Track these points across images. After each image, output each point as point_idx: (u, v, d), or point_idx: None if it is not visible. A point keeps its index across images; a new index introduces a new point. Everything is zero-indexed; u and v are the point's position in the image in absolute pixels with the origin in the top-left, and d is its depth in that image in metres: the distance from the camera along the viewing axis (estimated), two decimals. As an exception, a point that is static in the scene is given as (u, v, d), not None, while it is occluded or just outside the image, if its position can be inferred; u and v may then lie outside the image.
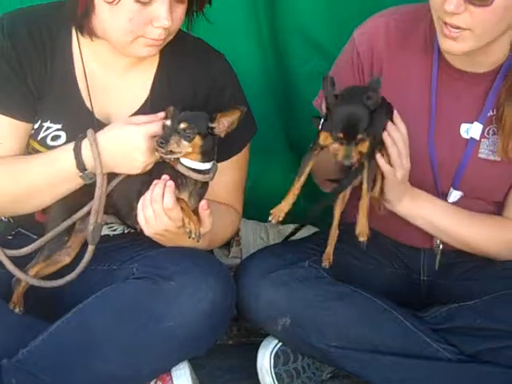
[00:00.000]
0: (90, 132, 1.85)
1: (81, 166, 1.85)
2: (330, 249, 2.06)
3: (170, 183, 1.82)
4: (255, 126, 2.14)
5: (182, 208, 1.84)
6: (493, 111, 2.07)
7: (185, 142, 1.81)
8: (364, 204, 1.96)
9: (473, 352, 1.96)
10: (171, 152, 1.81)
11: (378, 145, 1.93)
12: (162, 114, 1.87)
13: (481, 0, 1.83)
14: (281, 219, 1.94)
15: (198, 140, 1.83)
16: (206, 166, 1.87)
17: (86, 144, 1.85)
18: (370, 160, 1.93)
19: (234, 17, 2.47)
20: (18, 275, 1.92)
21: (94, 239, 1.92)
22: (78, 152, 1.85)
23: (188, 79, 2.02)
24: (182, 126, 1.81)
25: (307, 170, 1.93)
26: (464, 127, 2.09)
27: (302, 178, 1.93)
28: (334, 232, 2.06)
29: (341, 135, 1.81)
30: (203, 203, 1.86)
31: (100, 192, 1.87)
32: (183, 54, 2.02)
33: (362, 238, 1.95)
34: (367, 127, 1.84)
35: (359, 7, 2.45)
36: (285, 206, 1.94)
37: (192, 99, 2.02)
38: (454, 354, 1.97)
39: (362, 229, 1.96)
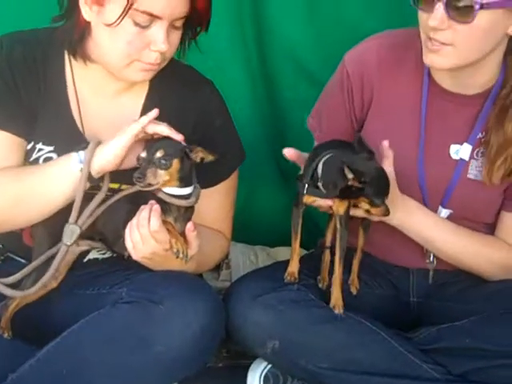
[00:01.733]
0: (92, 142, 1.88)
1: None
2: (324, 273, 2.08)
3: (156, 207, 1.83)
4: (243, 153, 2.17)
5: (168, 230, 1.85)
6: (482, 133, 2.09)
7: (161, 171, 1.82)
8: (338, 276, 1.99)
9: (461, 372, 1.96)
10: (149, 184, 1.83)
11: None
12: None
13: (462, 17, 1.87)
14: (297, 277, 2.02)
15: (175, 165, 1.84)
16: (187, 190, 1.88)
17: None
18: (345, 224, 1.97)
19: (222, 44, 2.50)
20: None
21: (68, 239, 1.89)
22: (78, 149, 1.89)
23: (177, 106, 2.05)
24: (159, 154, 1.82)
25: (299, 227, 2.01)
26: (453, 148, 2.12)
27: (298, 236, 2.01)
28: (326, 258, 2.08)
29: (385, 198, 1.91)
30: (189, 225, 1.87)
31: (82, 188, 1.87)
32: (173, 80, 2.04)
33: (337, 311, 1.98)
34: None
35: (348, 34, 2.47)
36: (294, 266, 2.03)
37: (181, 126, 2.03)
38: (443, 375, 1.96)
39: (336, 302, 1.99)
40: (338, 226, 1.99)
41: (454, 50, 1.93)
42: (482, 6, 1.85)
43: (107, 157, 1.87)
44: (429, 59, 1.98)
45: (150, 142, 1.87)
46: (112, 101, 2.02)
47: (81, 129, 2.00)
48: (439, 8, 1.88)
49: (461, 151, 2.11)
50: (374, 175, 1.89)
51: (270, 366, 2.07)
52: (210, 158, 1.88)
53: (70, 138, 1.98)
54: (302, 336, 1.98)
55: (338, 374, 1.97)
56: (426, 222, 2.11)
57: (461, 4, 1.86)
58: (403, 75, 2.14)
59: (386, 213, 1.92)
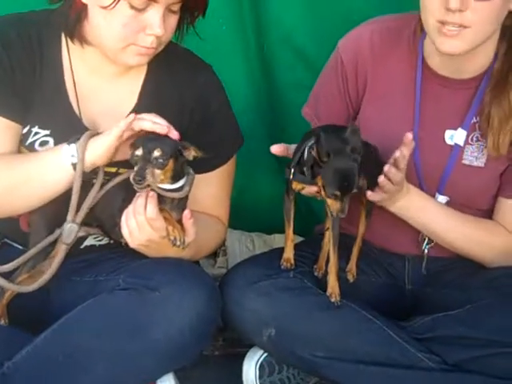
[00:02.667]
0: (87, 133, 1.87)
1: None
2: (321, 261, 2.08)
3: (152, 194, 1.82)
4: (241, 138, 2.16)
5: (165, 218, 1.84)
6: (476, 118, 2.09)
7: (158, 171, 1.80)
8: (333, 264, 1.99)
9: (456, 361, 1.96)
10: (148, 185, 1.81)
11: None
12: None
13: None
14: (293, 263, 2.03)
15: (170, 164, 1.82)
16: (179, 184, 1.87)
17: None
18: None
19: (220, 28, 2.48)
20: None
21: (67, 238, 1.90)
22: (70, 142, 1.87)
23: (175, 89, 2.03)
24: (156, 154, 1.80)
25: (291, 214, 2.01)
26: (448, 133, 2.11)
27: (291, 223, 2.01)
28: (326, 246, 2.07)
29: (337, 193, 1.84)
30: (186, 213, 1.86)
31: (77, 186, 1.86)
32: (171, 64, 2.03)
33: (334, 299, 1.98)
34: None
35: (344, 17, 2.46)
36: (289, 252, 2.04)
37: (179, 109, 2.03)
38: (438, 364, 1.97)
39: (333, 290, 1.99)
40: (329, 213, 1.97)
41: (470, 31, 1.92)
42: None
43: (98, 152, 1.85)
44: (447, 46, 1.95)
45: (142, 137, 1.84)
46: (109, 84, 2.01)
47: (77, 112, 1.99)
48: None
49: (455, 136, 2.11)
50: (337, 160, 1.82)
51: (265, 354, 2.08)
52: (200, 155, 1.86)
53: (66, 122, 1.97)
54: (298, 324, 1.99)
55: (333, 362, 1.98)
56: (428, 210, 2.11)
57: None
58: (396, 60, 2.13)
59: (336, 211, 1.85)
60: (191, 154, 1.85)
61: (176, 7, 1.88)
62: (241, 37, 2.52)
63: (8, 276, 1.92)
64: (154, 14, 1.84)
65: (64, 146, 1.87)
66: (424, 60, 2.10)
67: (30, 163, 1.90)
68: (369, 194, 1.99)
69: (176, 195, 1.87)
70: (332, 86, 2.19)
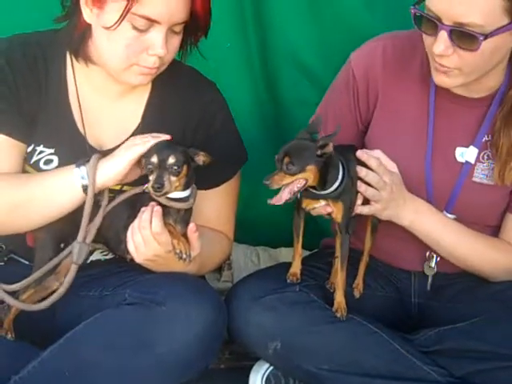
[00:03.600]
0: (94, 156, 1.88)
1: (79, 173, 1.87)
2: (333, 279, 2.09)
3: (158, 208, 1.84)
4: (245, 154, 2.17)
5: (170, 232, 1.85)
6: (487, 136, 2.09)
7: (173, 178, 1.83)
8: (340, 280, 2.00)
9: (462, 374, 1.97)
10: (166, 192, 1.83)
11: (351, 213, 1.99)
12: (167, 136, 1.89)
13: (468, 45, 1.86)
14: (299, 278, 2.04)
15: (184, 171, 1.84)
16: (186, 193, 1.89)
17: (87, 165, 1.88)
18: (345, 230, 1.98)
19: (224, 45, 2.49)
20: (8, 300, 1.91)
21: (78, 258, 1.90)
22: (79, 164, 1.88)
23: (179, 107, 2.05)
24: (171, 160, 1.82)
25: (301, 230, 2.03)
26: (459, 151, 2.11)
27: (300, 239, 2.03)
28: (337, 265, 2.07)
29: (278, 156, 1.88)
30: (191, 226, 1.87)
31: (88, 208, 1.87)
32: (175, 81, 2.05)
33: (339, 315, 1.99)
34: (340, 195, 1.93)
35: (350, 34, 2.46)
36: (296, 267, 2.05)
37: (183, 127, 2.04)
38: (444, 377, 1.97)
39: (339, 305, 2.00)
40: (339, 232, 2.00)
41: (460, 72, 1.93)
42: (485, 37, 1.84)
43: (110, 175, 1.87)
44: (437, 79, 1.99)
45: (153, 146, 1.86)
46: (114, 103, 2.03)
47: (82, 131, 2.00)
48: (443, 35, 1.87)
49: (466, 154, 2.10)
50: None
51: (271, 367, 2.08)
52: (209, 159, 1.88)
53: (71, 141, 1.98)
54: (304, 337, 1.99)
55: (339, 375, 1.98)
56: (434, 222, 2.11)
57: (465, 33, 1.85)
58: (409, 77, 2.13)
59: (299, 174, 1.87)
60: (201, 159, 1.87)
61: (178, 28, 1.90)
62: (245, 54, 2.54)
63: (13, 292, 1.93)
64: (157, 35, 1.86)
65: (74, 169, 1.88)
66: None
67: (35, 183, 1.92)
68: (358, 207, 2.00)
69: (183, 205, 1.88)
70: (342, 100, 2.19)
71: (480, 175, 2.11)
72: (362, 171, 1.97)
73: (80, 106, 2.00)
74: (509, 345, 1.93)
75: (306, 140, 1.90)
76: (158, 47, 1.86)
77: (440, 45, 1.88)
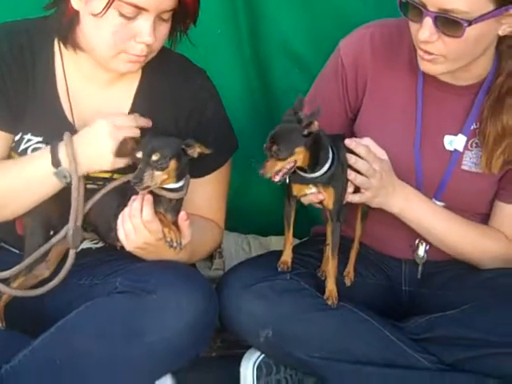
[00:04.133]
0: (66, 134, 1.88)
1: (56, 162, 1.87)
2: (324, 266, 2.09)
3: (148, 197, 1.84)
4: (236, 142, 2.17)
5: (160, 220, 1.85)
6: (476, 124, 2.10)
7: (158, 173, 1.82)
8: (332, 268, 2.00)
9: (453, 361, 1.97)
10: (147, 187, 1.82)
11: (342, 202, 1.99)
12: (136, 115, 1.89)
13: (452, 31, 1.87)
14: (290, 266, 2.04)
15: (173, 165, 1.84)
16: (179, 184, 1.89)
17: (62, 145, 1.88)
18: (336, 217, 1.98)
19: (214, 32, 2.48)
20: (2, 289, 1.91)
21: (74, 243, 1.91)
22: (54, 149, 1.88)
23: (169, 95, 2.04)
24: (154, 157, 1.81)
25: (292, 219, 2.02)
26: (448, 139, 2.12)
27: (291, 227, 2.03)
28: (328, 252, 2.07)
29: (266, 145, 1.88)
30: (182, 214, 1.87)
31: (77, 193, 1.87)
32: (165, 69, 2.04)
33: (331, 302, 1.99)
34: (330, 179, 1.92)
35: (341, 22, 2.45)
36: (287, 256, 2.05)
37: (174, 115, 2.03)
38: (434, 363, 1.98)
39: (330, 293, 2.00)
40: (330, 219, 2.00)
41: (444, 59, 1.94)
42: (470, 23, 1.85)
43: (95, 166, 1.89)
44: (423, 67, 2.00)
45: (147, 137, 1.86)
46: (103, 90, 2.02)
47: (70, 119, 1.99)
48: (428, 22, 1.88)
49: (455, 142, 2.11)
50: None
51: (263, 355, 2.07)
52: (206, 151, 1.88)
53: (59, 129, 1.96)
54: (295, 325, 1.99)
55: (330, 363, 1.99)
56: (425, 210, 2.11)
57: (449, 20, 1.86)
58: (397, 65, 2.13)
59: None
60: (196, 151, 1.87)
61: (167, 15, 1.89)
62: (235, 41, 2.52)
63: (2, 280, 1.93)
64: (144, 23, 1.85)
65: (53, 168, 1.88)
66: None
67: (13, 175, 1.92)
68: (349, 196, 2.00)
69: (176, 195, 1.88)
70: (331, 88, 2.19)
71: (469, 163, 2.12)
72: (351, 158, 1.98)
73: (68, 93, 1.99)
74: (498, 332, 1.93)
75: (290, 122, 1.90)
76: (146, 35, 1.85)
77: (425, 31, 1.89)
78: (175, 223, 1.88)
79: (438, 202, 2.14)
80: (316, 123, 1.87)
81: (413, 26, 1.95)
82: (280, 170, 1.87)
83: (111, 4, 1.81)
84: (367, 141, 2.03)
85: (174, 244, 1.85)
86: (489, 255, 2.15)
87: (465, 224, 2.14)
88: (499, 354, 1.93)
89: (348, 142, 2.00)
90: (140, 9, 1.83)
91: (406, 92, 2.12)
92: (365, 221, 2.13)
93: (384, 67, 2.14)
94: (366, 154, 1.99)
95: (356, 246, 2.14)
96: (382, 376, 1.98)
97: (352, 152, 1.99)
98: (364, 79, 2.15)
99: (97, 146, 1.87)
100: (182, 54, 2.08)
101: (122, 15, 1.83)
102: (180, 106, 2.04)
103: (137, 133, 1.89)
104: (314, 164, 1.92)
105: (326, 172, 1.93)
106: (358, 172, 1.99)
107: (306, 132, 1.87)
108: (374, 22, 2.20)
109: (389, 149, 2.05)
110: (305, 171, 1.93)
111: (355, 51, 2.15)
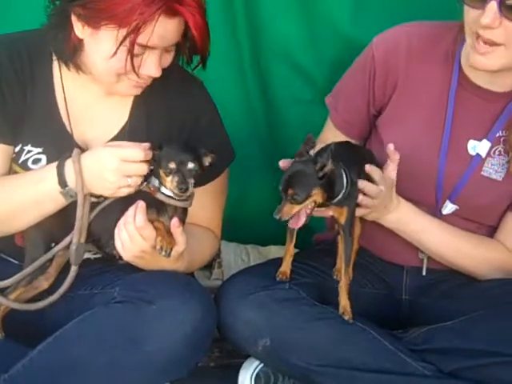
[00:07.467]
0: (75, 151, 1.88)
1: (62, 182, 1.88)
2: (339, 264, 2.08)
3: (142, 204, 1.85)
4: (233, 153, 2.17)
5: (157, 228, 1.86)
6: (502, 132, 2.10)
7: (192, 180, 1.86)
8: (344, 283, 2.00)
9: (451, 370, 1.97)
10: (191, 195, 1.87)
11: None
12: (146, 145, 1.88)
13: None
14: (288, 277, 2.04)
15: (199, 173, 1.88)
16: (188, 193, 1.90)
17: (69, 162, 1.88)
18: (348, 232, 1.99)
19: (213, 42, 2.48)
20: (1, 301, 1.92)
21: (76, 259, 1.92)
22: (61, 169, 1.88)
23: (165, 105, 2.05)
24: (191, 166, 1.85)
25: (295, 232, 2.02)
26: (471, 143, 2.12)
27: (293, 239, 2.03)
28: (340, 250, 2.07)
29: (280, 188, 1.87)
30: (174, 221, 1.87)
31: (81, 211, 1.88)
32: (162, 80, 2.04)
33: (347, 317, 1.99)
34: (344, 200, 1.93)
35: (342, 31, 2.47)
36: (286, 266, 2.05)
37: (169, 125, 2.05)
38: (433, 372, 1.97)
39: (344, 308, 2.00)
40: (342, 234, 2.00)
41: (504, 50, 1.92)
42: None
43: (100, 190, 1.90)
44: (476, 61, 1.97)
45: (167, 149, 1.87)
46: (100, 101, 2.03)
47: (69, 129, 2.00)
48: (492, 6, 1.86)
49: (478, 147, 2.11)
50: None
51: (261, 365, 2.08)
52: (214, 161, 1.91)
53: (58, 139, 1.98)
54: (293, 334, 1.99)
55: (328, 370, 1.99)
56: (419, 224, 2.12)
57: None
58: (431, 66, 2.13)
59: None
60: (208, 160, 1.90)
61: (172, 47, 1.91)
62: (234, 50, 2.53)
63: (2, 290, 1.93)
64: (151, 58, 1.88)
65: (59, 186, 1.89)
66: (460, 68, 2.10)
67: (18, 195, 1.92)
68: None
69: (181, 204, 1.90)
70: (356, 79, 2.19)
71: (489, 170, 2.12)
72: (361, 184, 1.98)
73: (66, 104, 2.00)
74: (498, 342, 1.93)
75: (304, 163, 1.88)
76: (153, 69, 1.89)
77: (488, 15, 1.86)
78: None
79: (451, 205, 2.14)
80: (330, 163, 1.86)
81: (471, 13, 1.93)
82: (299, 214, 1.87)
83: (120, 45, 1.82)
84: (397, 156, 2.01)
85: (163, 253, 1.85)
86: (486, 266, 2.15)
87: (460, 235, 2.14)
88: (498, 363, 1.92)
89: (367, 168, 1.99)
90: (147, 47, 1.85)
91: (438, 93, 2.12)
92: (363, 221, 2.13)
93: (417, 67, 2.13)
94: (380, 179, 1.99)
95: (355, 246, 2.13)
96: (380, 382, 1.98)
97: (368, 160, 2.00)
98: (395, 76, 2.14)
99: (101, 179, 1.87)
100: (179, 63, 2.09)
101: (131, 55, 1.84)
102: (175, 116, 2.05)
103: (144, 170, 1.87)
104: (331, 197, 1.93)
105: (340, 198, 1.94)
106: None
107: (320, 174, 1.87)
108: (412, 22, 2.19)
109: (412, 147, 2.06)
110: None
111: (388, 47, 2.14)
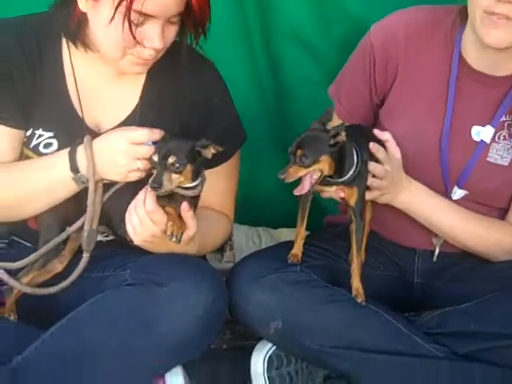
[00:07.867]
0: (87, 137, 1.88)
1: (74, 168, 1.88)
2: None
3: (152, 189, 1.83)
4: (244, 134, 2.16)
5: (168, 213, 1.85)
6: (506, 116, 2.09)
7: (175, 176, 1.82)
8: (356, 266, 2.00)
9: (465, 352, 1.96)
10: (166, 190, 1.83)
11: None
12: (157, 130, 1.87)
13: None
14: (300, 259, 2.03)
15: (189, 168, 1.84)
16: (195, 183, 1.89)
17: (81, 148, 1.88)
18: (359, 215, 1.98)
19: (223, 22, 2.46)
20: (13, 284, 1.93)
21: (88, 246, 1.93)
22: (73, 155, 1.88)
23: (177, 86, 2.04)
24: (170, 160, 1.81)
25: (306, 213, 2.02)
26: (475, 129, 2.11)
27: (304, 222, 2.02)
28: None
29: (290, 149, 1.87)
30: (184, 205, 1.86)
31: (93, 197, 1.88)
32: (173, 60, 2.03)
33: (360, 300, 1.98)
34: (354, 179, 1.92)
35: (353, 12, 2.44)
36: (297, 249, 2.05)
37: (180, 105, 2.03)
38: (446, 354, 1.97)
39: (357, 291, 1.99)
40: (353, 217, 1.99)
41: None
42: None
43: (111, 175, 1.89)
44: (490, 36, 1.94)
45: (162, 140, 1.85)
46: (111, 83, 2.02)
47: (80, 112, 1.99)
48: None
49: (482, 133, 2.09)
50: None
51: (274, 347, 2.07)
52: (219, 150, 1.88)
53: (69, 123, 1.97)
54: (305, 316, 1.99)
55: (341, 351, 1.98)
56: (432, 205, 2.11)
57: None
58: (431, 52, 2.11)
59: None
60: (210, 152, 1.86)
61: (175, 18, 1.88)
62: (244, 30, 2.50)
63: (16, 273, 1.94)
64: (153, 28, 1.85)
65: (70, 172, 1.89)
66: (460, 54, 2.08)
67: (29, 183, 1.92)
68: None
69: (189, 193, 1.88)
70: (357, 67, 2.18)
71: (495, 155, 2.10)
72: (370, 165, 1.97)
73: (77, 87, 1.99)
74: (511, 324, 1.92)
75: (318, 130, 1.89)
76: (155, 40, 1.85)
77: None
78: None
79: (460, 190, 2.13)
80: (343, 133, 1.86)
81: None
82: (304, 178, 1.87)
83: (115, 12, 1.80)
84: (387, 136, 2.02)
85: (174, 238, 1.85)
86: (498, 247, 2.14)
87: (472, 217, 2.13)
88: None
89: (371, 145, 1.99)
90: (147, 16, 1.83)
91: (439, 79, 2.10)
92: (374, 205, 2.12)
93: (417, 53, 2.11)
94: (384, 158, 1.99)
95: (367, 228, 2.12)
96: (393, 364, 1.97)
97: (374, 139, 1.99)
98: (395, 63, 2.13)
99: (112, 163, 1.87)
100: (190, 44, 2.08)
101: (129, 21, 1.82)
102: (187, 97, 2.04)
103: (152, 151, 1.86)
104: (340, 170, 1.92)
105: (351, 175, 1.93)
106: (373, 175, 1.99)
107: (332, 142, 1.86)
108: (410, 8, 2.17)
109: (415, 136, 2.05)
110: (330, 177, 1.93)
111: (386, 35, 2.13)
